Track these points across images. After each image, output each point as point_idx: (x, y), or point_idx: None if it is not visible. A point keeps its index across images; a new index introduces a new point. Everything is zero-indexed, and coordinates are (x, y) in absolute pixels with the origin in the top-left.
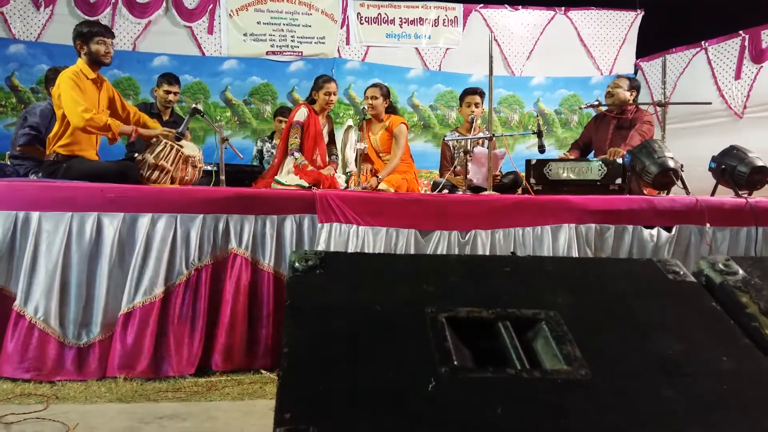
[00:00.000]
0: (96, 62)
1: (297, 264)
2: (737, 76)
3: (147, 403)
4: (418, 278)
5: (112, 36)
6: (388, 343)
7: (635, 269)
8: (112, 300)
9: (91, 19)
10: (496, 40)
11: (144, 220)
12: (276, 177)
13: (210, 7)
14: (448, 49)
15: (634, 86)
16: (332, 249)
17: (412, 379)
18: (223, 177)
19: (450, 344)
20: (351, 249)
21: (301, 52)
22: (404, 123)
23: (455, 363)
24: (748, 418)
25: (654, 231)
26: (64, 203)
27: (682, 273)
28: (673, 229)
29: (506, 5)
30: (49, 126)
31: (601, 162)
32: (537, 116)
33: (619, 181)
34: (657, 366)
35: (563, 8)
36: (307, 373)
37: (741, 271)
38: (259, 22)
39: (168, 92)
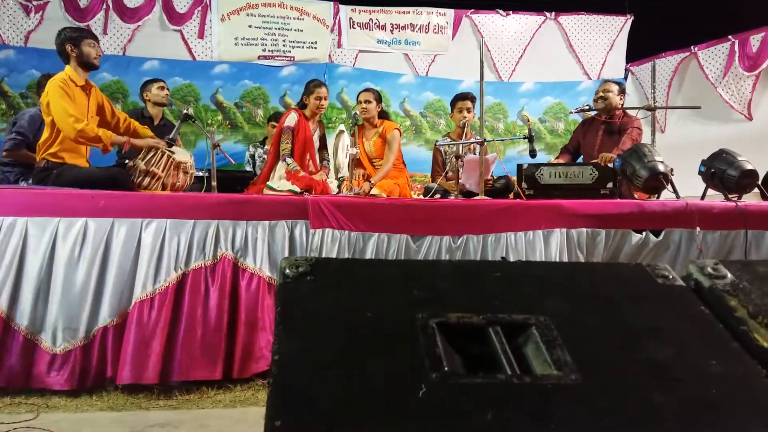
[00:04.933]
0: (86, 65)
1: (288, 270)
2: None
3: (138, 411)
4: (409, 284)
5: (98, 39)
6: (378, 349)
7: (625, 274)
8: (101, 305)
9: (79, 25)
10: (486, 45)
11: (134, 226)
12: (268, 183)
13: (201, 12)
14: (436, 55)
15: (623, 90)
16: (324, 255)
17: (403, 385)
18: (214, 183)
19: (441, 350)
20: (343, 255)
21: (293, 57)
22: (397, 129)
23: (446, 369)
24: (737, 422)
25: (644, 235)
26: (53, 209)
27: (671, 277)
28: (663, 233)
29: (497, 11)
30: (37, 132)
31: (592, 166)
32: (528, 121)
33: (610, 185)
34: (647, 370)
35: (554, 13)
36: (297, 380)
37: (730, 275)
38: (250, 26)
39: (162, 88)
